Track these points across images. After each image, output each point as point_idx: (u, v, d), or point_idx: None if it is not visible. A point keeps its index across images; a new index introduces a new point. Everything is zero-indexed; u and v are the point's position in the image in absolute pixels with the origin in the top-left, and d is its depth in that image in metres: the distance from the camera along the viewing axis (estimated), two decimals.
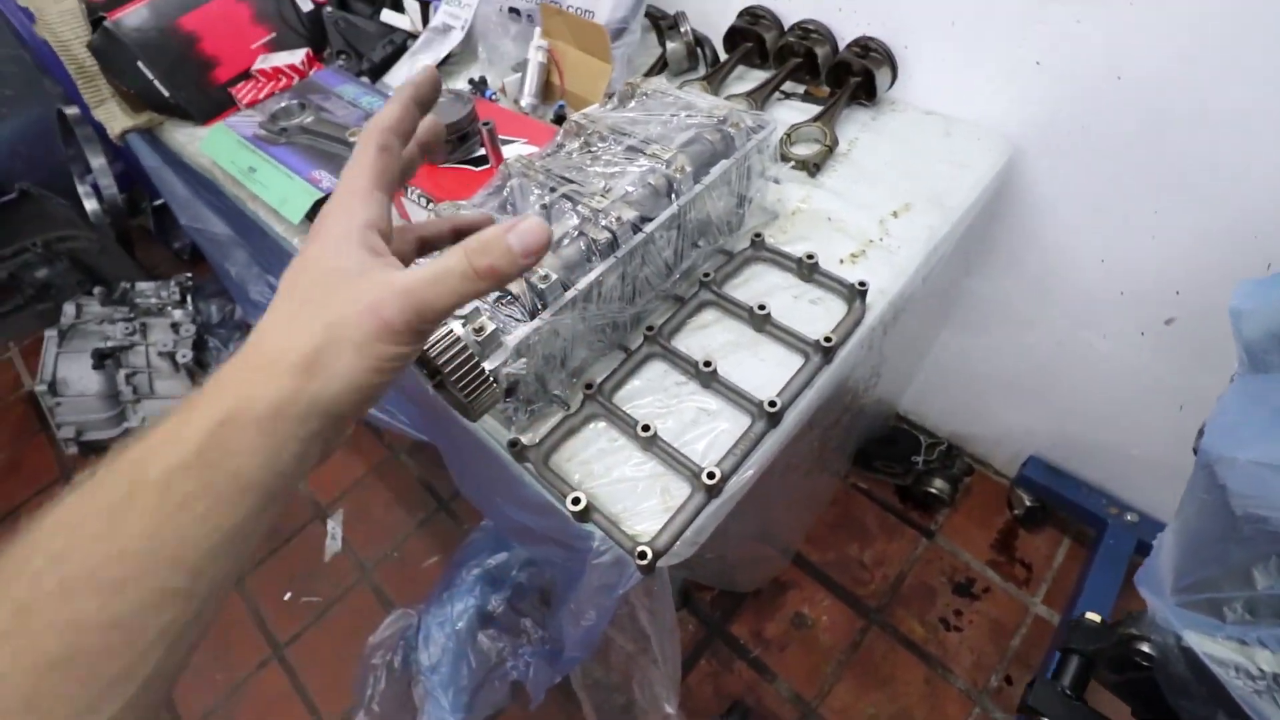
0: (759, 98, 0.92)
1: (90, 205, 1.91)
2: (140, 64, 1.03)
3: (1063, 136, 0.83)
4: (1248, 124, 0.69)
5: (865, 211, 0.79)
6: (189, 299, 1.55)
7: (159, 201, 1.94)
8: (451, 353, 0.48)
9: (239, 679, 1.26)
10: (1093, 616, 0.48)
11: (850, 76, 0.90)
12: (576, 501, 0.55)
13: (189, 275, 1.61)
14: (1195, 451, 0.53)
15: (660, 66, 1.02)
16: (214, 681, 1.25)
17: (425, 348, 0.48)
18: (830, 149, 0.85)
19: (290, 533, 1.44)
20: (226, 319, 1.59)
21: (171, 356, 1.46)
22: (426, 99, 0.39)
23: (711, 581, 1.19)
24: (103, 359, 1.42)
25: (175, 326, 1.50)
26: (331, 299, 0.31)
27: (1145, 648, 0.42)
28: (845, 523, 1.32)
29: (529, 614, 1.11)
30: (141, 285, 1.59)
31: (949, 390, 1.30)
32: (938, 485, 1.27)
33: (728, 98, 0.90)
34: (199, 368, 1.51)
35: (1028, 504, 1.24)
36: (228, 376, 0.30)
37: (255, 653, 1.28)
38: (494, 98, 0.99)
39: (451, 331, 0.49)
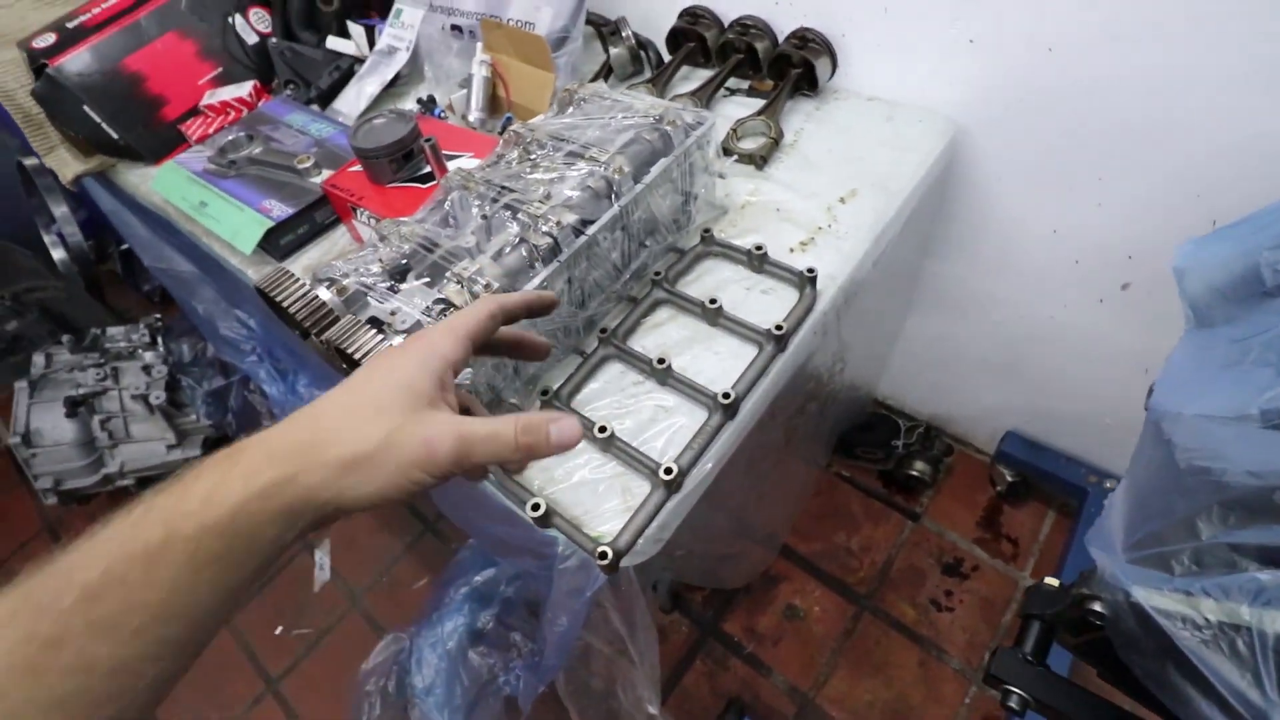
0: (704, 96, 0.93)
1: (57, 254, 1.89)
2: (86, 108, 1.03)
3: (1002, 112, 0.84)
4: (1175, 84, 0.70)
5: (813, 200, 0.79)
6: (159, 340, 1.54)
7: (125, 246, 1.93)
8: None
9: (234, 717, 1.24)
10: (1051, 581, 0.48)
11: (791, 68, 0.91)
12: (536, 508, 0.55)
13: (158, 316, 1.60)
14: (1146, 409, 0.53)
15: (606, 73, 1.02)
16: None
17: (360, 359, 0.48)
18: (776, 141, 0.86)
19: (278, 567, 1.43)
20: (198, 357, 1.58)
21: (145, 399, 1.44)
22: (535, 310, 0.45)
23: (699, 581, 1.19)
24: (75, 406, 1.40)
25: (147, 369, 1.48)
26: (398, 416, 0.35)
27: (1097, 606, 0.42)
28: (831, 512, 1.32)
29: (518, 628, 1.10)
30: (111, 330, 1.57)
31: (924, 373, 1.30)
32: (919, 467, 1.28)
33: (674, 98, 0.91)
34: (174, 408, 1.50)
35: (1009, 479, 1.24)
36: (278, 445, 0.34)
37: (249, 689, 1.27)
38: (442, 115, 0.99)
39: (386, 342, 0.49)
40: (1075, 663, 0.81)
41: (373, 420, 0.34)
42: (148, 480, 1.53)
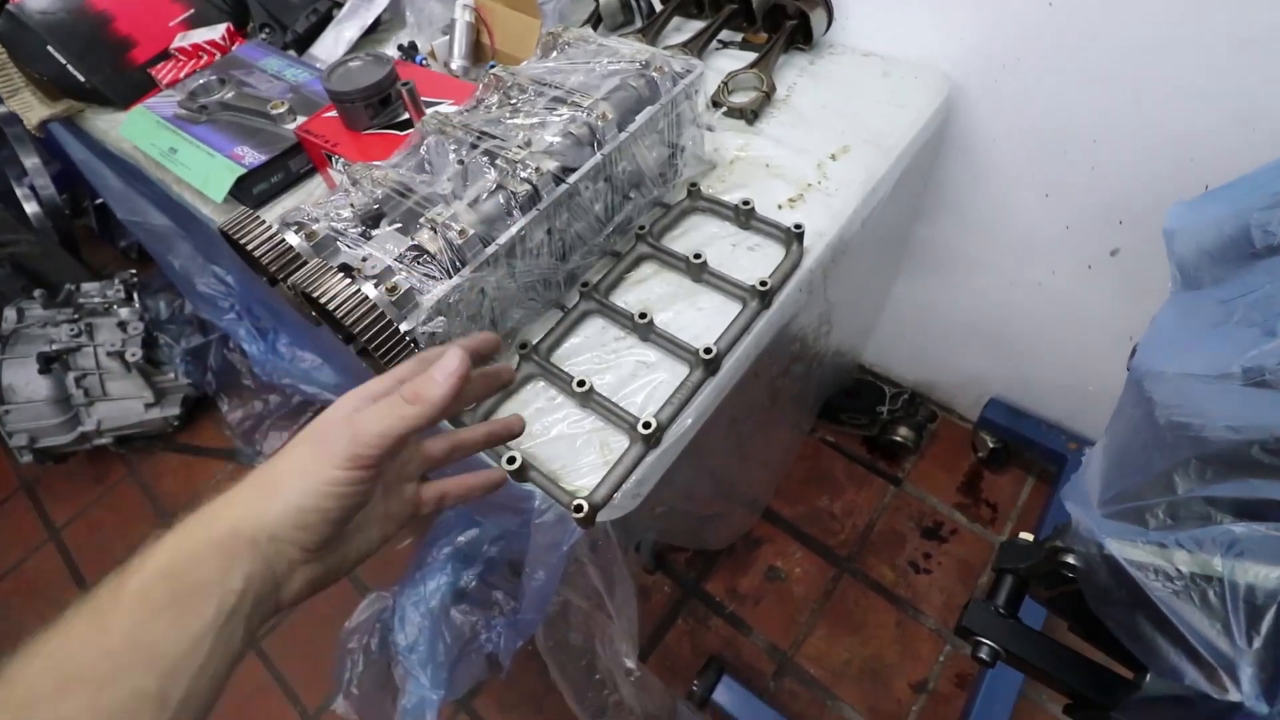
0: (695, 47, 0.90)
1: (30, 208, 1.84)
2: (50, 48, 0.99)
3: (999, 70, 0.82)
4: (1176, 47, 0.69)
5: (803, 156, 0.77)
6: (135, 296, 1.51)
7: (100, 200, 1.88)
8: (361, 313, 0.47)
9: None
10: (1025, 536, 0.48)
11: (786, 20, 0.88)
12: (512, 461, 0.54)
13: (133, 272, 1.56)
14: (1128, 369, 0.53)
15: (595, 21, 0.99)
16: None
17: (335, 309, 0.47)
18: (768, 95, 0.83)
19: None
20: (176, 314, 1.55)
21: (121, 356, 1.42)
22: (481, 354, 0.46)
23: (682, 541, 1.19)
24: (49, 363, 1.37)
25: (123, 325, 1.45)
26: (308, 439, 0.37)
27: (1070, 559, 0.42)
28: (815, 476, 1.33)
29: (500, 586, 1.11)
30: (86, 286, 1.54)
31: (910, 339, 1.30)
32: (903, 433, 1.28)
33: (664, 48, 0.88)
34: (151, 365, 1.47)
35: (991, 445, 1.25)
36: (210, 501, 0.36)
37: None
38: (424, 62, 0.96)
39: (360, 292, 0.47)
40: (1047, 619, 0.82)
41: (287, 451, 0.37)
42: (126, 439, 1.51)
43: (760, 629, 1.17)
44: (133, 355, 1.41)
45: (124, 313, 1.46)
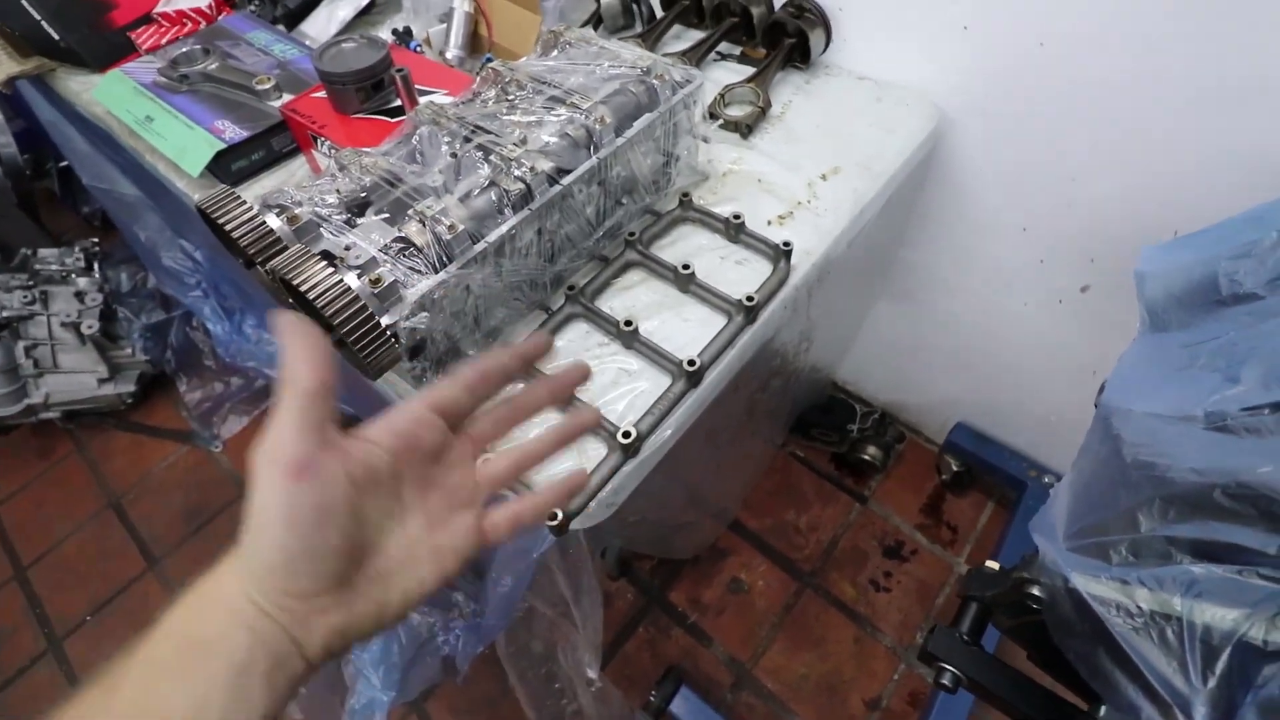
0: (694, 57, 0.90)
1: None
2: (25, 2, 0.95)
3: (988, 103, 0.84)
4: (1155, 94, 0.71)
5: (795, 174, 0.78)
6: (96, 266, 1.45)
7: (65, 163, 1.80)
8: (342, 304, 0.46)
9: None
10: (991, 565, 0.49)
11: (785, 38, 0.89)
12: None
13: (95, 241, 1.50)
14: (1096, 406, 0.54)
15: (595, 22, 0.98)
16: None
17: (315, 298, 0.45)
18: (763, 110, 0.84)
19: (211, 514, 1.38)
20: (138, 287, 1.49)
21: (76, 327, 1.36)
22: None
23: (649, 549, 1.19)
24: None
25: (80, 295, 1.39)
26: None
27: (1035, 590, 0.43)
28: (783, 489, 1.34)
29: (460, 588, 1.09)
30: (43, 252, 1.47)
31: (884, 360, 1.32)
32: (871, 452, 1.30)
33: (663, 56, 0.88)
34: (108, 339, 1.42)
35: (954, 469, 1.28)
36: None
37: None
38: (418, 49, 0.94)
39: (343, 282, 0.46)
40: (1001, 644, 0.84)
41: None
42: (75, 414, 1.45)
43: (721, 640, 1.18)
44: (89, 327, 1.35)
45: (82, 282, 1.41)
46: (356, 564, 0.33)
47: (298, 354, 0.33)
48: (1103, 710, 0.41)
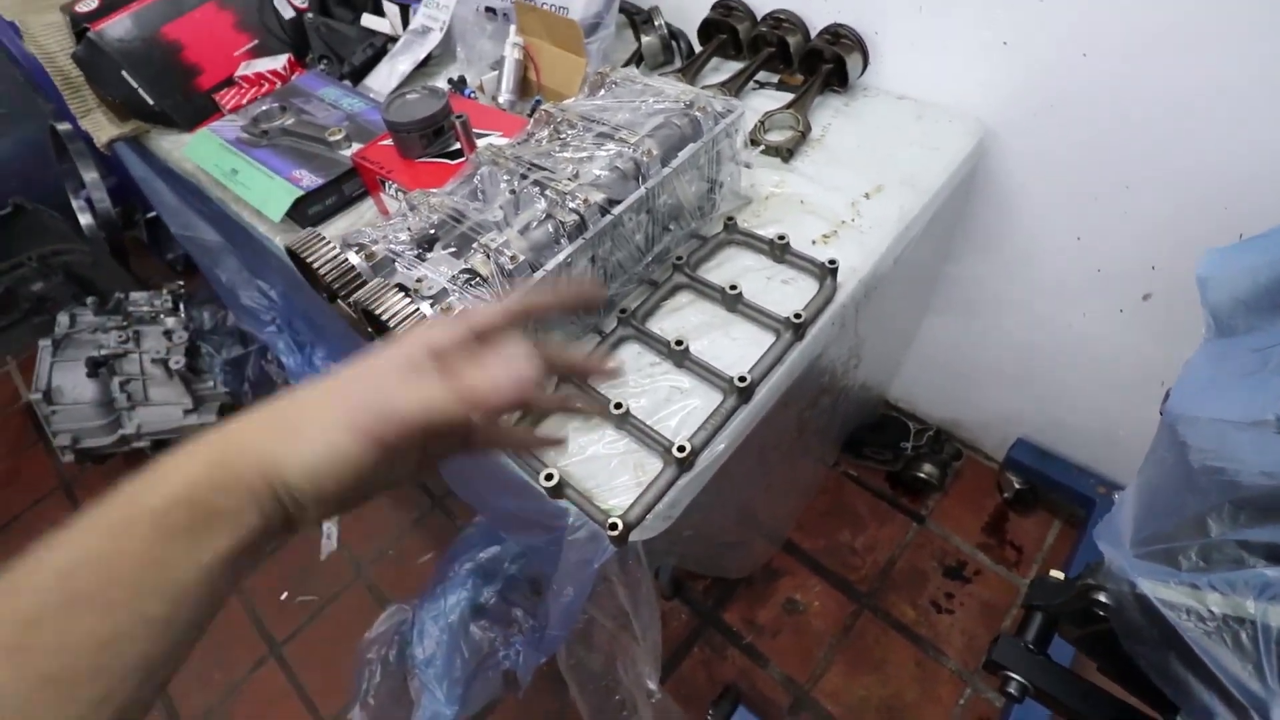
0: (733, 88, 0.93)
1: (84, 219, 1.92)
2: (124, 73, 1.05)
3: (1032, 116, 0.84)
4: (1212, 97, 0.70)
5: (837, 194, 0.80)
6: (181, 306, 1.57)
7: (152, 214, 1.96)
8: None
9: (237, 678, 1.26)
10: (1056, 574, 0.49)
11: (822, 64, 0.92)
12: (550, 478, 0.56)
13: (181, 283, 1.63)
14: (1161, 414, 0.54)
15: (636, 60, 1.03)
16: (212, 680, 1.26)
17: (395, 326, 0.49)
18: (803, 134, 0.86)
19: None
20: (219, 325, 1.61)
21: (165, 363, 1.47)
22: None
23: (702, 568, 1.19)
24: (97, 367, 1.43)
25: (168, 334, 1.51)
26: (336, 389, 0.34)
27: (1102, 597, 0.43)
28: (836, 509, 1.32)
29: (520, 604, 1.12)
30: (135, 295, 1.60)
31: (936, 376, 1.30)
32: (927, 470, 1.28)
33: (703, 88, 0.92)
34: (192, 374, 1.53)
35: (1017, 487, 1.24)
36: (234, 424, 0.33)
37: (252, 652, 1.29)
38: (473, 96, 1.00)
39: (419, 310, 0.50)
40: (1075, 659, 0.81)
41: (308, 399, 0.34)
42: (163, 443, 1.56)
43: (777, 661, 1.16)
44: (176, 363, 1.46)
45: (170, 322, 1.52)
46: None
47: (517, 383, 0.34)
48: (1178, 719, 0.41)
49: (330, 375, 0.35)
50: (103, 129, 1.14)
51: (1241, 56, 0.66)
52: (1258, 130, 0.70)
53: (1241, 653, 0.35)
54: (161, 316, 1.54)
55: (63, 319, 1.52)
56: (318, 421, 0.33)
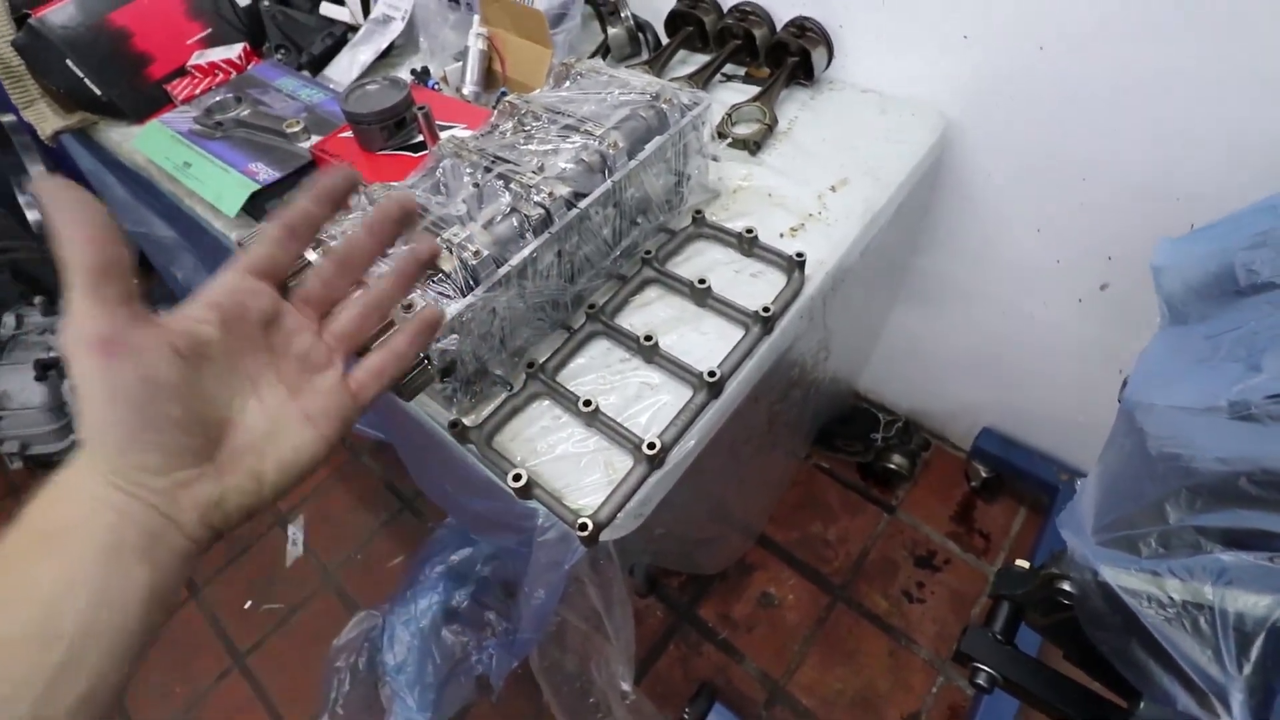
0: (700, 80, 0.93)
1: (31, 215, 1.84)
2: (69, 62, 1.00)
3: (992, 108, 0.85)
4: (1164, 87, 0.72)
5: (804, 187, 0.80)
6: None
7: None
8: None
9: (200, 690, 1.22)
10: (1021, 563, 0.49)
11: (788, 57, 0.91)
12: (518, 478, 0.55)
13: (135, 282, 1.57)
14: (1119, 401, 0.54)
15: (603, 52, 1.02)
16: (173, 695, 1.22)
17: None
18: (770, 127, 0.86)
19: (249, 541, 1.41)
20: None
21: None
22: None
23: (676, 565, 1.19)
24: (46, 369, 1.37)
25: None
26: None
27: (1066, 585, 0.43)
28: (808, 502, 1.33)
29: (493, 607, 1.10)
30: None
31: (904, 367, 1.32)
32: (897, 461, 1.29)
33: (670, 81, 0.91)
34: None
35: (984, 475, 1.26)
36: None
37: (216, 663, 1.25)
38: (436, 87, 0.98)
39: None
40: (1041, 648, 0.83)
41: None
42: None
43: (752, 656, 1.17)
44: None
45: None
46: (213, 439, 0.32)
47: (72, 228, 0.29)
48: (1142, 705, 0.41)
49: None
50: (47, 120, 1.09)
51: (1191, 47, 0.68)
52: (1208, 121, 0.71)
53: (1200, 638, 0.35)
54: None
55: (8, 320, 1.45)
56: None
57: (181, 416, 0.31)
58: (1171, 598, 0.39)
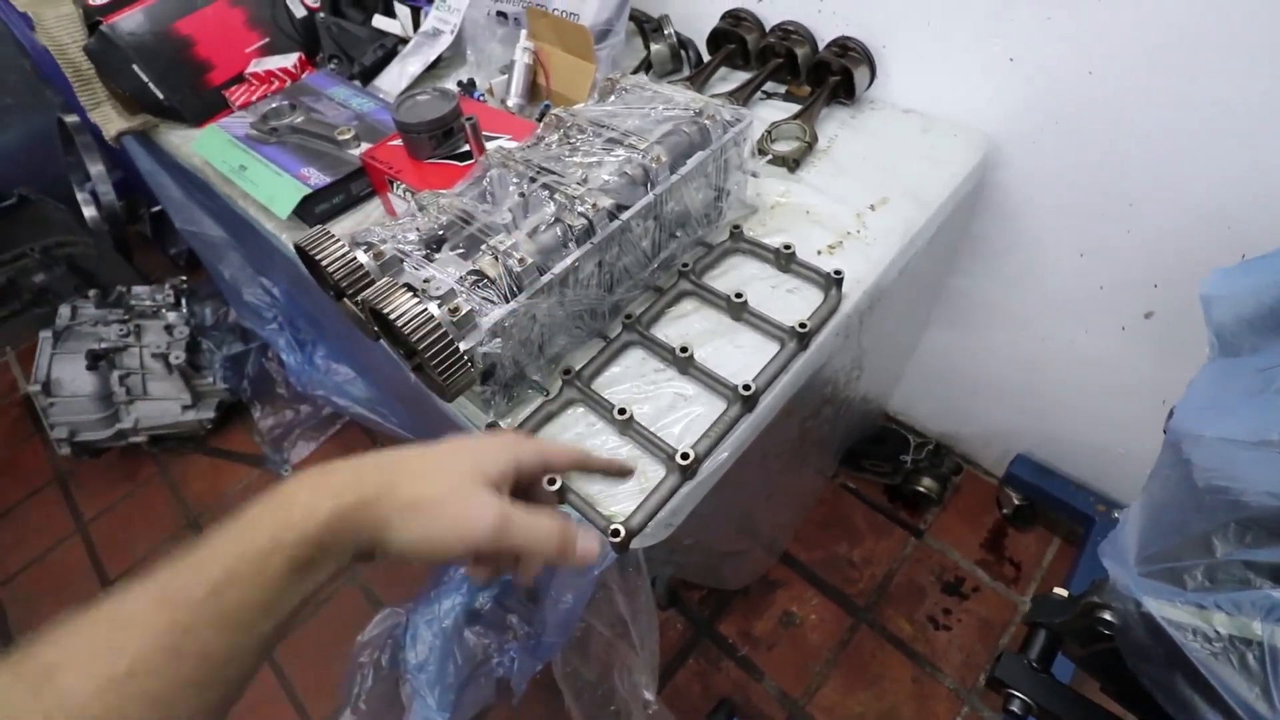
0: (741, 97, 0.94)
1: (89, 212, 1.93)
2: (135, 67, 1.05)
3: (1037, 131, 0.84)
4: (1217, 116, 0.71)
5: (843, 205, 0.80)
6: (183, 302, 1.57)
7: (156, 208, 1.97)
8: (426, 330, 0.49)
9: None
10: (1060, 591, 0.49)
11: (830, 76, 0.92)
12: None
13: (184, 279, 1.63)
14: (1165, 432, 0.53)
15: (645, 68, 1.03)
16: None
17: (402, 325, 0.49)
18: (810, 145, 0.86)
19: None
20: (220, 321, 1.60)
21: (165, 358, 1.46)
22: (610, 474, 0.57)
23: (698, 579, 1.19)
24: (97, 360, 1.43)
25: (169, 329, 1.51)
26: (463, 482, 0.41)
27: (1107, 615, 0.42)
28: (834, 522, 1.32)
29: (516, 611, 1.11)
30: (137, 289, 1.60)
31: (937, 390, 1.30)
32: (926, 484, 1.27)
33: (711, 97, 0.92)
34: (192, 369, 1.52)
35: (1016, 503, 1.24)
36: (367, 474, 0.40)
37: None
38: (482, 99, 1.01)
39: (426, 310, 0.50)
40: (1075, 677, 0.81)
41: (442, 476, 0.41)
42: (160, 438, 1.55)
43: (772, 675, 1.15)
44: (176, 358, 1.45)
45: (171, 317, 1.52)
46: None
47: (588, 559, 0.44)
48: None
49: (456, 462, 0.42)
50: (112, 122, 1.14)
51: (1246, 76, 0.67)
52: (1261, 150, 0.70)
53: (1248, 675, 0.34)
54: (163, 311, 1.54)
55: (64, 311, 1.52)
56: (441, 516, 0.39)
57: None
58: (1218, 632, 0.38)
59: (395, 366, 0.61)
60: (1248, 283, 0.58)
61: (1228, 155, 0.72)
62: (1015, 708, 0.46)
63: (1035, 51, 0.78)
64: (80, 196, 1.94)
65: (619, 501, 0.57)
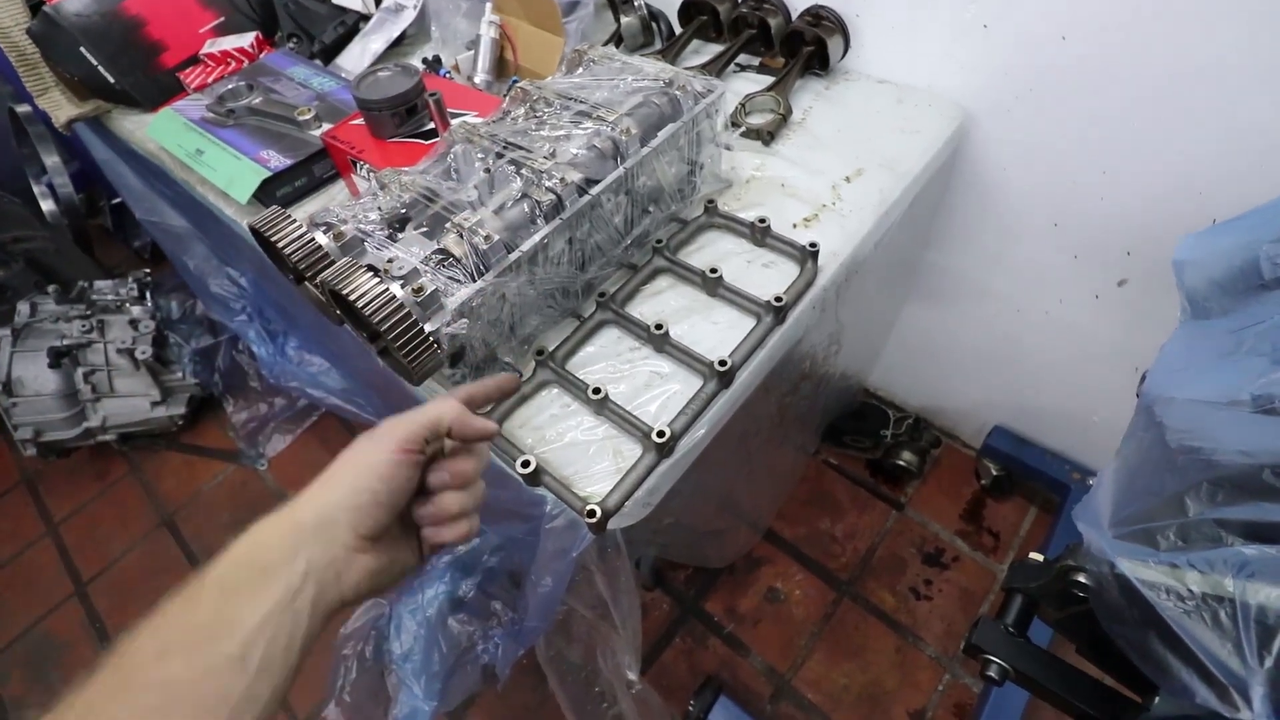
0: (714, 70, 0.92)
1: (46, 205, 1.86)
2: (83, 49, 1.01)
3: (1011, 100, 0.84)
4: (1188, 82, 0.70)
5: (818, 177, 0.79)
6: (148, 295, 1.52)
7: (116, 199, 1.90)
8: (388, 311, 0.48)
9: None
10: (1035, 556, 0.49)
11: (803, 46, 0.91)
12: (526, 465, 0.55)
13: (147, 271, 1.58)
14: (1138, 396, 0.54)
15: (616, 41, 1.01)
16: None
17: (363, 307, 0.48)
18: (784, 117, 0.85)
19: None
20: (187, 314, 1.56)
21: (131, 353, 1.42)
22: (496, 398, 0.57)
23: (683, 558, 1.19)
24: (59, 357, 1.38)
25: (134, 323, 1.46)
26: (365, 437, 0.43)
27: (1082, 578, 0.42)
28: (816, 497, 1.33)
29: (499, 597, 1.10)
30: (99, 283, 1.55)
31: (916, 364, 1.31)
32: (906, 458, 1.28)
33: (684, 70, 0.90)
34: (160, 364, 1.48)
35: (994, 473, 1.25)
36: (298, 494, 0.41)
37: None
38: (448, 75, 0.98)
39: (388, 291, 0.48)
40: (1053, 642, 0.82)
41: (345, 454, 0.43)
42: (129, 436, 1.51)
43: (758, 650, 1.16)
44: (142, 353, 1.41)
45: (136, 311, 1.48)
46: (394, 527, 0.43)
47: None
48: (1158, 699, 0.40)
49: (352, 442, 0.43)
50: (61, 108, 1.09)
51: (1220, 42, 0.67)
52: (1232, 115, 0.70)
53: (1221, 631, 0.35)
54: (127, 305, 1.49)
55: (23, 308, 1.46)
56: (351, 460, 0.42)
57: (397, 507, 0.42)
58: (1191, 590, 0.38)
59: (365, 354, 0.60)
60: (1218, 246, 0.59)
61: (1200, 121, 0.72)
62: (993, 673, 0.46)
63: (1009, 17, 0.78)
64: (37, 189, 1.88)
65: (595, 482, 0.56)
